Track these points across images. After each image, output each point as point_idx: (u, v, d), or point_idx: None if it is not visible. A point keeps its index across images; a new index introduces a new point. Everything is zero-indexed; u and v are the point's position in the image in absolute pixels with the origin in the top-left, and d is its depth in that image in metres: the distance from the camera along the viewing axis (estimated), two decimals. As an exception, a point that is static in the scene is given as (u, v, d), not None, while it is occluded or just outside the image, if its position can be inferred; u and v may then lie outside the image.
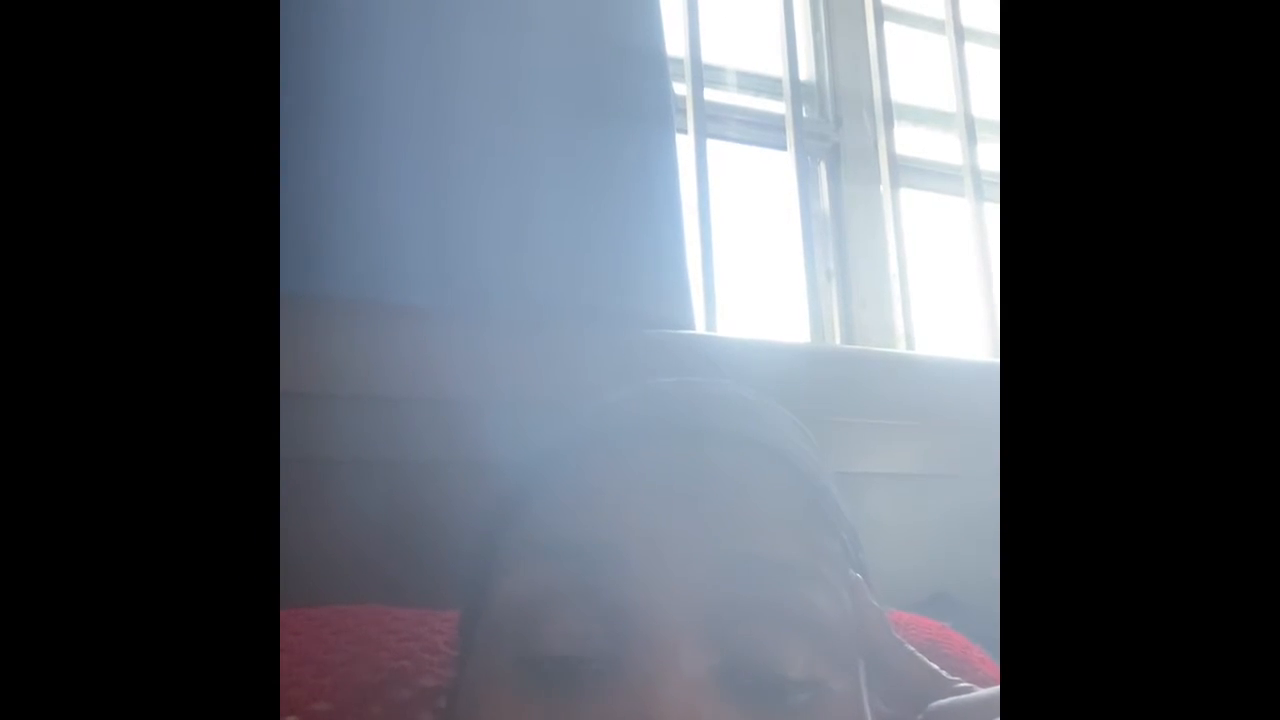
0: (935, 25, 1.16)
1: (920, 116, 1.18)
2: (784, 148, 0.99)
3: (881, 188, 1.06)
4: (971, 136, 1.08)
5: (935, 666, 0.35)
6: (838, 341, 1.03)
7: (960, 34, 1.11)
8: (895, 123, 1.07)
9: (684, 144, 0.87)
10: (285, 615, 0.48)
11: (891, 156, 1.05)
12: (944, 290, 1.11)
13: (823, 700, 0.34)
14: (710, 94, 0.97)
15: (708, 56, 0.95)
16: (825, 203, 1.08)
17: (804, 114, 1.02)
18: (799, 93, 1.00)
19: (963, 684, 0.34)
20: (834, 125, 1.09)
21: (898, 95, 1.09)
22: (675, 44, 0.88)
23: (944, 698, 0.34)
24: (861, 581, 0.36)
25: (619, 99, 0.76)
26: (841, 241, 1.06)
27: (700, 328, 0.82)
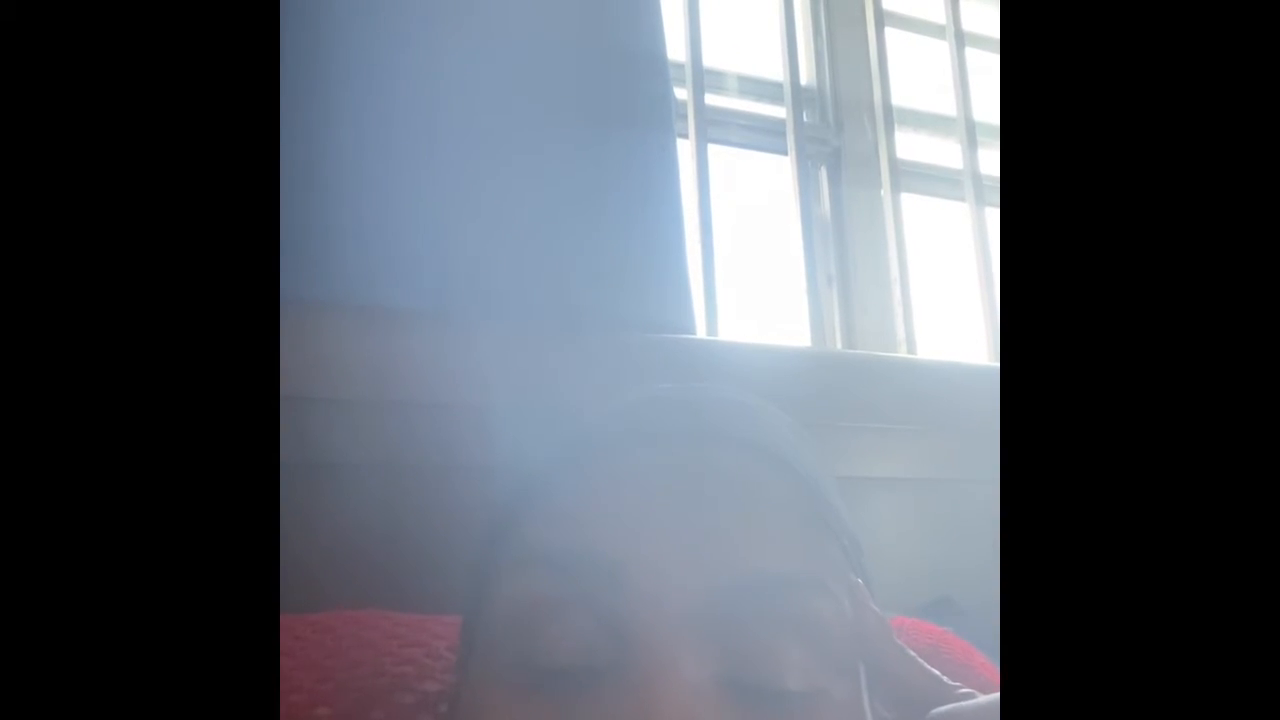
0: (936, 30, 1.16)
1: (921, 121, 1.18)
2: (785, 152, 0.99)
3: (882, 192, 1.06)
4: (972, 141, 1.08)
5: (936, 672, 0.35)
6: (839, 346, 1.03)
7: (961, 39, 1.11)
8: (896, 127, 1.07)
9: (685, 149, 0.87)
10: (287, 620, 0.48)
11: (892, 161, 1.05)
12: (945, 294, 1.11)
13: (823, 706, 0.34)
14: (711, 99, 0.97)
15: (709, 61, 0.95)
16: (826, 207, 1.08)
17: (805, 119, 1.02)
18: (800, 97, 1.00)
19: (964, 689, 0.34)
20: (835, 130, 1.09)
21: (898, 100, 1.09)
22: (676, 49, 0.89)
23: (945, 703, 0.33)
24: (862, 587, 0.36)
25: (620, 104, 0.76)
26: (842, 246, 1.06)
27: (701, 332, 0.82)
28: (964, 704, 0.32)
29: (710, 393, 0.41)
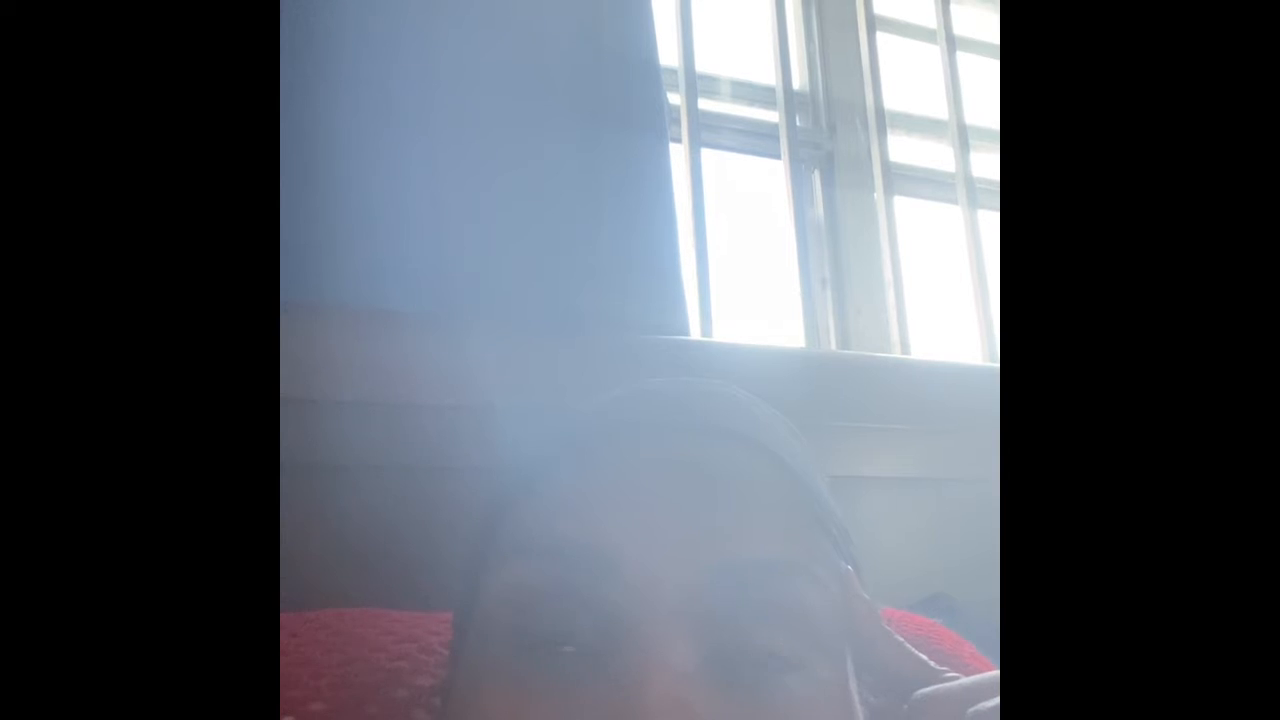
0: (927, 34, 1.17)
1: (913, 124, 1.19)
2: (778, 156, 1.00)
3: (875, 195, 1.07)
4: (964, 144, 1.08)
5: (923, 657, 0.35)
6: (833, 347, 1.03)
7: (952, 43, 1.12)
8: (888, 131, 1.08)
9: (678, 153, 0.87)
10: (283, 618, 0.49)
11: (885, 164, 1.06)
12: (938, 296, 1.12)
13: (810, 688, 0.34)
14: (704, 103, 0.97)
15: (701, 66, 0.96)
16: (820, 210, 1.08)
17: (798, 122, 1.03)
18: (792, 101, 1.01)
19: (950, 674, 0.34)
20: (828, 133, 1.10)
21: (891, 103, 1.10)
22: (669, 53, 0.89)
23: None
24: (851, 574, 0.36)
25: (614, 108, 0.77)
26: (836, 248, 1.06)
27: (696, 334, 0.82)
28: (946, 685, 0.33)
29: (700, 387, 0.41)
